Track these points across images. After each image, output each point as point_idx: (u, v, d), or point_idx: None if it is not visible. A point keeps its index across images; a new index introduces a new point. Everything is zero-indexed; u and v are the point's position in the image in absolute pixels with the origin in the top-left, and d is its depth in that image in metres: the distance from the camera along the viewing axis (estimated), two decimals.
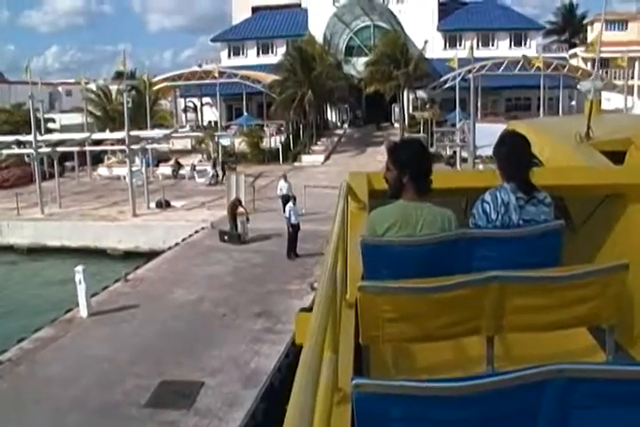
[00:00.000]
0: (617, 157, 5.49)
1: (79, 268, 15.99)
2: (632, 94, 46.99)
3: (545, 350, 3.27)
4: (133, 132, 35.38)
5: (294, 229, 20.60)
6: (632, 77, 50.27)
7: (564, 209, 5.15)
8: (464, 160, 34.47)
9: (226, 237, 22.90)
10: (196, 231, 25.32)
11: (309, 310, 2.12)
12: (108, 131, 44.22)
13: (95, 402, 11.22)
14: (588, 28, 62.63)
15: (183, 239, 24.33)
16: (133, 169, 32.88)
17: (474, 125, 28.36)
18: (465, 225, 3.60)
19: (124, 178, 31.72)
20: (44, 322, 15.56)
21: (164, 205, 30.46)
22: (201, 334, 14.19)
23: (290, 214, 20.72)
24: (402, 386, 1.80)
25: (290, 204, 21.15)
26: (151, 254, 23.53)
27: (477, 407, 1.80)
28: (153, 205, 30.69)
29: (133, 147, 32.11)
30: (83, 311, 15.82)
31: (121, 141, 33.36)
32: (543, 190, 3.57)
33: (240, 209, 23.48)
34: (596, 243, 4.86)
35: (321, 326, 1.87)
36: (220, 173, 38.59)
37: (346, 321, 2.92)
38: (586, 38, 61.43)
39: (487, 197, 3.55)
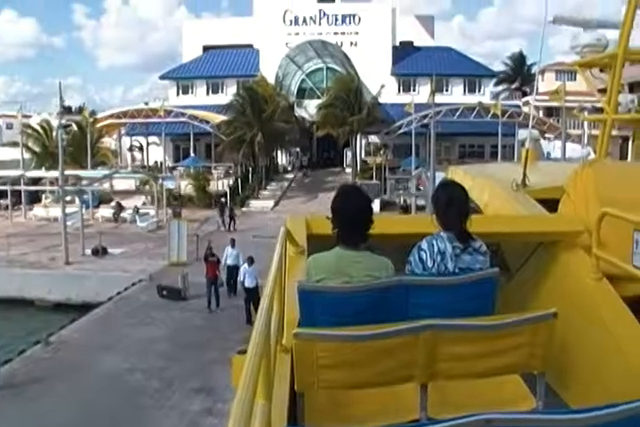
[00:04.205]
0: (552, 204, 5.61)
1: None
2: (581, 143, 46.94)
3: (478, 396, 3.22)
4: (72, 172, 33.35)
5: (251, 293, 17.66)
6: (581, 127, 50.30)
7: (501, 256, 5.32)
8: (420, 208, 33.19)
9: (165, 293, 20.84)
10: (133, 284, 23.11)
11: (245, 352, 1.95)
12: (43, 169, 41.77)
13: None
14: (538, 76, 63.16)
15: (118, 293, 22.12)
16: (71, 210, 30.67)
17: (434, 173, 27.04)
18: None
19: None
20: None
21: (100, 252, 28.11)
22: (127, 417, 12.05)
23: (244, 277, 18.13)
24: None
25: (245, 265, 18.47)
26: (84, 307, 21.36)
27: None
28: (89, 251, 28.36)
29: (68, 188, 29.87)
30: None
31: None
32: (479, 239, 3.52)
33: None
34: (530, 290, 4.90)
35: (254, 371, 1.78)
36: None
37: (281, 367, 2.84)
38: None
39: (424, 244, 3.49)
